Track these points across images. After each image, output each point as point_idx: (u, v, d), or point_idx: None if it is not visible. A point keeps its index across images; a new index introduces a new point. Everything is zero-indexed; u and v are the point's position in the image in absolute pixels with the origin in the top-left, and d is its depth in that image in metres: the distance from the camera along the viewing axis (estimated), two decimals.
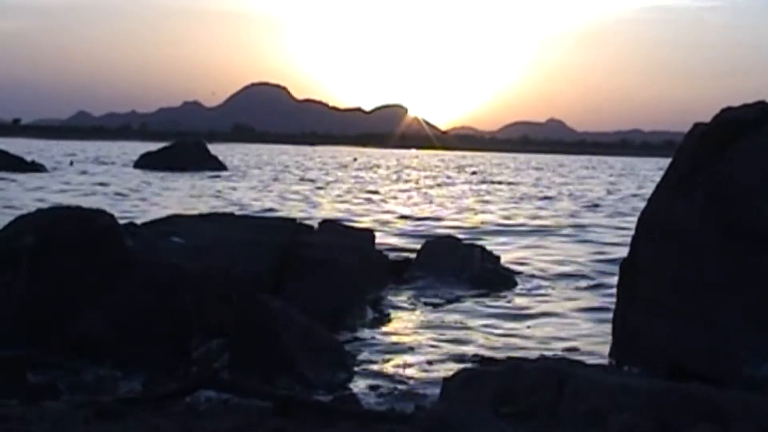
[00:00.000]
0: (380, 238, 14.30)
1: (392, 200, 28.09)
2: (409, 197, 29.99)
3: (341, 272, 8.97)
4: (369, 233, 11.51)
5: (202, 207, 21.29)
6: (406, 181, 42.67)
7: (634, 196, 34.00)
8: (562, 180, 49.76)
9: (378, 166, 66.90)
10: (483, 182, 42.74)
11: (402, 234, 17.50)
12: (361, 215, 21.55)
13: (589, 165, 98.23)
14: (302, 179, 40.55)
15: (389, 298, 10.34)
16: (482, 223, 20.53)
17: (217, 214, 11.02)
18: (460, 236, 14.20)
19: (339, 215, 20.61)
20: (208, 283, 6.64)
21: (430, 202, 27.48)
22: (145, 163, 44.09)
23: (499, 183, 42.62)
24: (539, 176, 55.31)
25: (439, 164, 79.44)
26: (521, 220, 20.78)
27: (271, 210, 22.15)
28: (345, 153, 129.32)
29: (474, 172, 59.60)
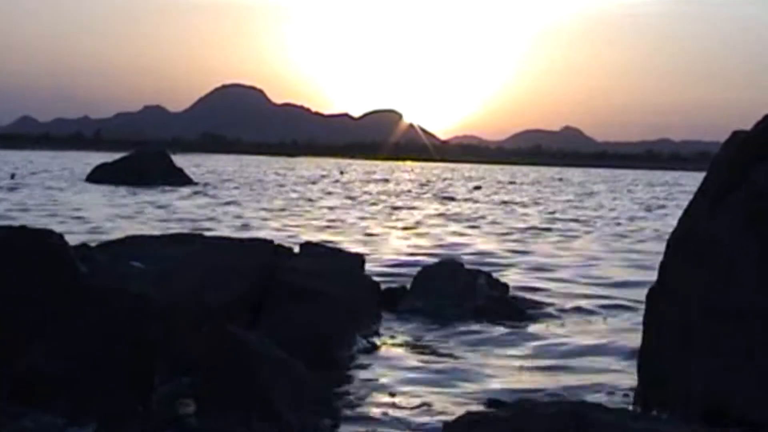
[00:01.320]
0: (371, 263, 14.33)
1: (383, 220, 28.10)
2: (400, 219, 30.04)
3: (326, 301, 8.99)
4: (358, 257, 11.55)
5: (165, 227, 21.30)
6: (397, 195, 42.82)
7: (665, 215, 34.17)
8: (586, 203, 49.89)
9: (367, 182, 66.99)
10: (491, 202, 42.74)
11: (396, 258, 17.53)
12: (348, 237, 21.60)
13: (612, 179, 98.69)
14: (282, 196, 40.62)
15: (381, 330, 10.38)
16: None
17: (184, 235, 11.05)
18: (464, 260, 14.24)
19: (323, 237, 20.64)
20: (175, 313, 6.65)
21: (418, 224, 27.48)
22: (99, 176, 44.14)
23: (510, 203, 42.66)
24: (556, 191, 55.48)
25: (432, 178, 79.50)
26: (533, 247, 20.82)
27: (244, 230, 22.19)
28: (331, 165, 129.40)
29: (477, 187, 59.86)
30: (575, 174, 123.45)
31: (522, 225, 27.22)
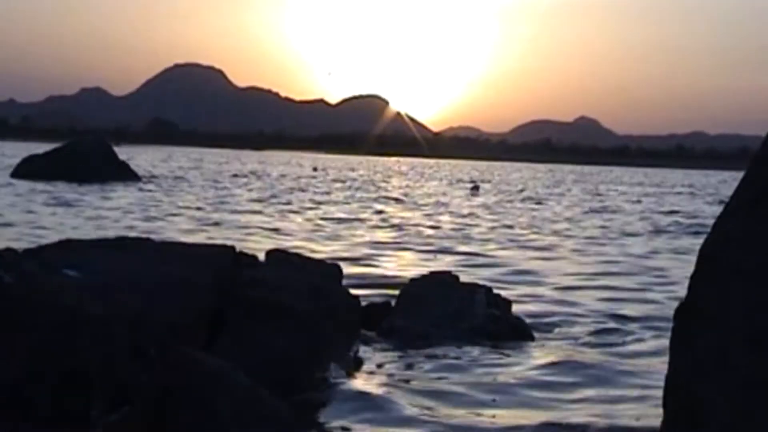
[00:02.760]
0: (349, 275, 14.30)
1: (369, 227, 28.14)
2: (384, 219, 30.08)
3: (296, 319, 9.00)
4: (334, 268, 11.59)
5: (106, 231, 21.25)
6: (383, 195, 42.89)
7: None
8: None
9: (343, 180, 67.14)
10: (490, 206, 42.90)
11: (379, 270, 17.56)
12: (321, 244, 21.61)
13: (646, 180, 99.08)
14: (246, 195, 40.61)
15: (361, 354, 10.40)
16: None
17: (128, 240, 11.01)
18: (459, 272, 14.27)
19: (295, 243, 20.65)
20: (117, 331, 6.64)
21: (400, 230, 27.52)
22: (27, 170, 44.03)
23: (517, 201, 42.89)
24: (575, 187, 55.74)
25: (422, 173, 79.66)
26: (535, 265, 20.88)
27: (199, 234, 22.18)
28: (303, 160, 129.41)
29: (474, 187, 60.02)
30: (601, 173, 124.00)
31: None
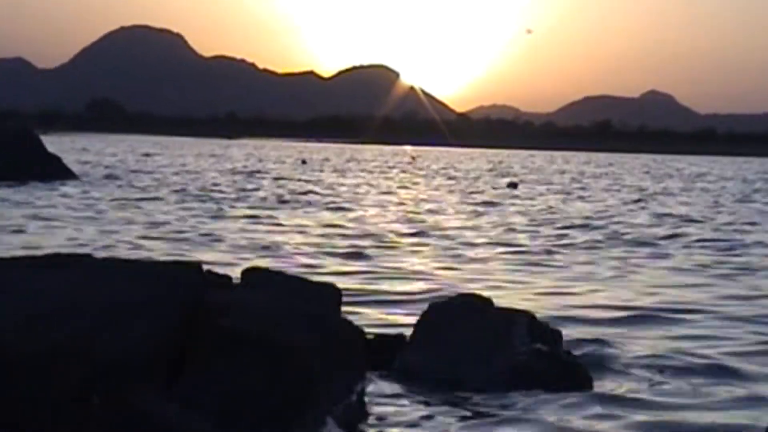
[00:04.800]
0: (355, 299, 14.29)
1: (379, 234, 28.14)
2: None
3: (280, 355, 9.03)
4: (330, 290, 11.57)
5: (34, 244, 21.28)
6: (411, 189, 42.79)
7: None
8: None
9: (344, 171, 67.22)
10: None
11: (391, 289, 17.63)
12: (318, 260, 21.65)
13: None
14: (208, 198, 40.54)
15: (366, 398, 10.42)
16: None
17: (62, 258, 11.07)
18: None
19: (277, 263, 20.68)
20: (53, 371, 6.70)
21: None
22: None
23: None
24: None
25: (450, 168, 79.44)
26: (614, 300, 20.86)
27: (154, 250, 22.21)
28: (289, 151, 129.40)
29: (512, 184, 59.87)
30: (689, 166, 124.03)
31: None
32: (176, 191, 43.31)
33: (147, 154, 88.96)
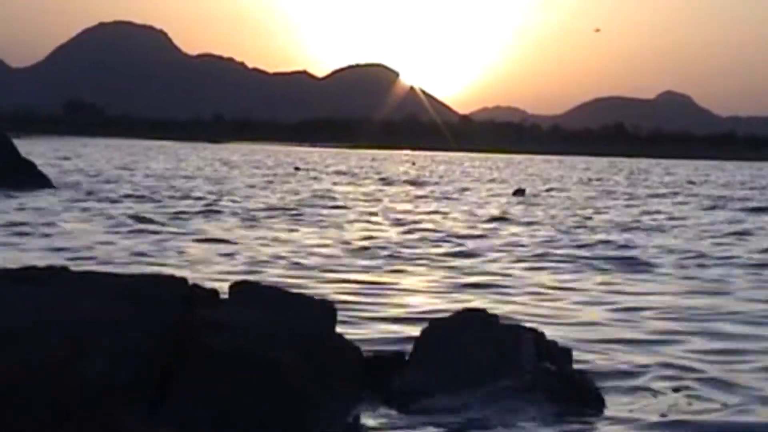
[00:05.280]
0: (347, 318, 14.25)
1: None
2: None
3: (270, 375, 9.03)
4: (324, 306, 11.56)
5: (8, 258, 21.27)
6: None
7: None
8: None
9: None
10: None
11: (393, 309, 17.61)
12: (305, 275, 21.63)
13: None
14: (199, 204, 40.49)
15: (363, 421, 10.44)
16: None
17: (37, 271, 11.07)
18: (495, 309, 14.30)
19: (266, 276, 20.68)
20: (27, 394, 6.71)
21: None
22: None
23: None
24: None
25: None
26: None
27: (138, 262, 22.20)
28: (281, 156, 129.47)
29: (519, 191, 59.72)
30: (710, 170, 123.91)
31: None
32: (155, 200, 43.23)
33: (126, 168, 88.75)
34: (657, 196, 64.07)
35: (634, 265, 25.05)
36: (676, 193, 68.30)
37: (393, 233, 31.97)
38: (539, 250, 27.64)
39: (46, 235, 27.17)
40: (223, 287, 11.41)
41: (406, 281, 21.00)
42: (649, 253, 27.70)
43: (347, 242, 28.31)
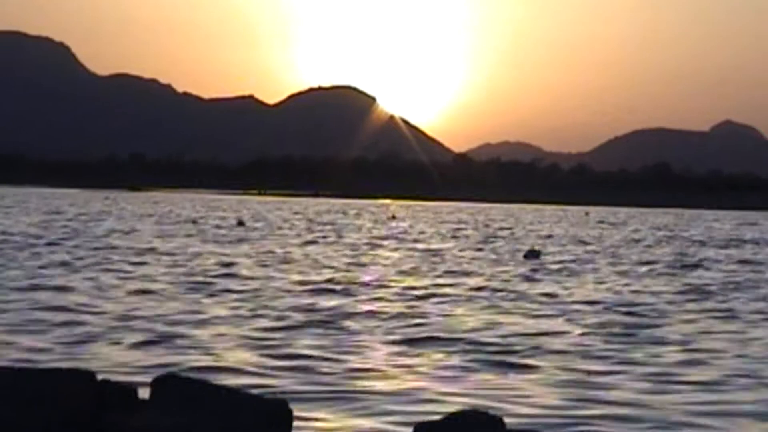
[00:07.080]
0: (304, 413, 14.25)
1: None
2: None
3: None
4: (272, 406, 11.55)
5: None
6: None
7: None
8: None
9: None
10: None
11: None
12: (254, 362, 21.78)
13: None
14: (119, 271, 40.95)
15: None
16: None
17: None
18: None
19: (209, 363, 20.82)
20: None
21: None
22: None
23: None
24: None
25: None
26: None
27: (40, 351, 22.21)
28: (223, 207, 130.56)
29: (532, 252, 59.91)
30: None
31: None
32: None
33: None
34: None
35: None
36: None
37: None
38: None
39: None
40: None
41: None
42: None
43: None
